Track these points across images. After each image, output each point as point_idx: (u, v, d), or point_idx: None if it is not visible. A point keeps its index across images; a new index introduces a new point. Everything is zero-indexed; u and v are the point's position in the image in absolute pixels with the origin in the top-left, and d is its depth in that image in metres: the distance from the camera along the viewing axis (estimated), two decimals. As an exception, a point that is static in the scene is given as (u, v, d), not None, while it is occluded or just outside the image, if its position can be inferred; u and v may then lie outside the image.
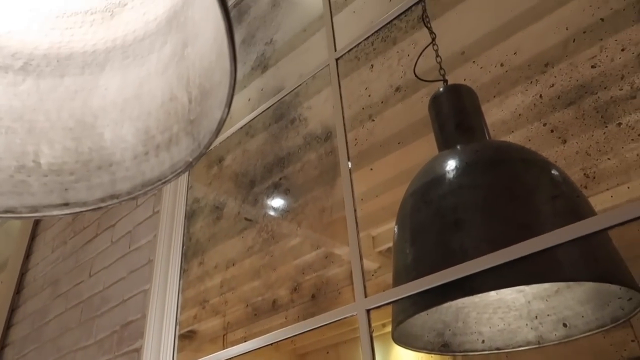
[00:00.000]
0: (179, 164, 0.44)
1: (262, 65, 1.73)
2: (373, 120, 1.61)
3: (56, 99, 0.57)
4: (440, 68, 1.18)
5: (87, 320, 1.47)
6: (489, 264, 0.70)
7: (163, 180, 0.45)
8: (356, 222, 0.99)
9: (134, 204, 1.52)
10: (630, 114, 1.17)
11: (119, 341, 1.28)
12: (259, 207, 1.59)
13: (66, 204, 0.50)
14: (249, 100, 1.65)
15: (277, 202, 1.64)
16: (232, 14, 2.02)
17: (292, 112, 1.55)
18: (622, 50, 1.19)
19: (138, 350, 1.20)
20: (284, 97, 1.52)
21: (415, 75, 1.31)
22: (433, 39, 1.24)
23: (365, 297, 0.91)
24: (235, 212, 1.62)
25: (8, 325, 1.87)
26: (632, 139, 1.15)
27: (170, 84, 0.50)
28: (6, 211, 0.51)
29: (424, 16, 1.30)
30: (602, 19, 1.27)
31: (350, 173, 1.12)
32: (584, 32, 1.31)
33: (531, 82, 1.39)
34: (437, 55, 1.21)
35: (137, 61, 0.52)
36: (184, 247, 1.34)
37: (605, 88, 1.23)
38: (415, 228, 0.89)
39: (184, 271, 1.29)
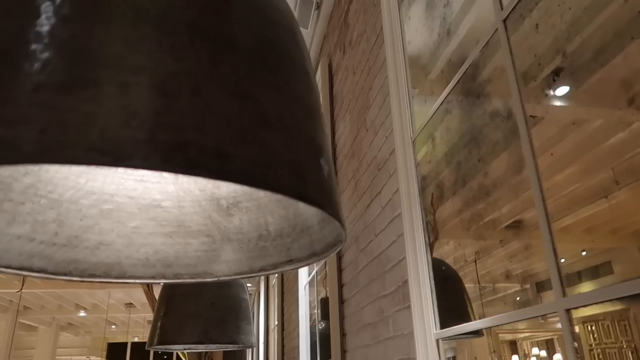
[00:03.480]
0: (339, 236, 0.56)
1: (446, 31, 1.61)
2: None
3: (267, 177, 0.74)
4: None
5: (381, 274, 1.76)
6: None
7: (336, 247, 0.57)
8: (545, 211, 0.89)
9: (386, 175, 1.70)
10: None
11: (404, 296, 1.51)
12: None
13: (290, 261, 0.68)
14: (442, 72, 1.57)
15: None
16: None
17: (475, 86, 1.42)
18: None
19: (409, 307, 1.42)
20: (466, 70, 1.40)
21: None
22: None
23: (564, 295, 0.84)
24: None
25: (340, 268, 2.39)
26: None
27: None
28: (260, 270, 0.72)
29: None
30: None
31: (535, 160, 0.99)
32: None
33: None
34: None
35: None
36: (424, 221, 1.45)
37: None
38: None
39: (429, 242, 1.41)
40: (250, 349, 10.27)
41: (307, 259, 0.64)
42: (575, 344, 0.80)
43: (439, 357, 1.30)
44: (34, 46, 0.35)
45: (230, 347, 2.26)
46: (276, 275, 5.90)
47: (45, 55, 0.35)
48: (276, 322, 5.57)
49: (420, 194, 1.46)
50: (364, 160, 1.97)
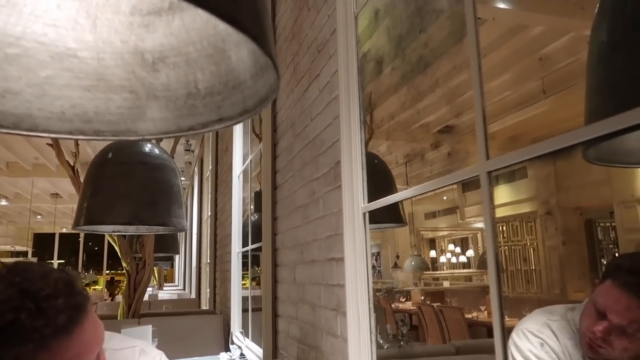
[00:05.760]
0: (273, 86, 0.53)
1: None
2: None
3: (197, 29, 0.68)
4: None
5: (315, 157, 1.77)
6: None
7: (269, 100, 0.54)
8: (480, 82, 0.90)
9: (326, 56, 1.64)
10: None
11: (335, 176, 1.54)
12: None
13: (221, 119, 0.65)
14: None
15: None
16: None
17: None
18: None
19: (340, 187, 1.46)
20: None
21: None
22: None
23: (487, 159, 0.87)
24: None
25: (274, 155, 2.39)
26: None
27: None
28: (189, 129, 0.69)
29: None
30: None
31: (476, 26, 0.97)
32: None
33: None
34: None
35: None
36: (361, 100, 1.44)
37: None
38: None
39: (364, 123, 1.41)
40: (182, 235, 10.43)
41: (238, 117, 0.61)
42: (491, 209, 0.86)
43: (364, 230, 1.37)
44: None
45: (162, 230, 2.25)
46: (210, 167, 5.86)
47: None
48: (209, 213, 5.64)
49: (359, 73, 1.44)
50: (304, 42, 1.90)
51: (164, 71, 0.67)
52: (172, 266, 16.47)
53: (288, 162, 2.10)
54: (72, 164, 3.63)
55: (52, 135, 0.64)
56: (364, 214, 1.34)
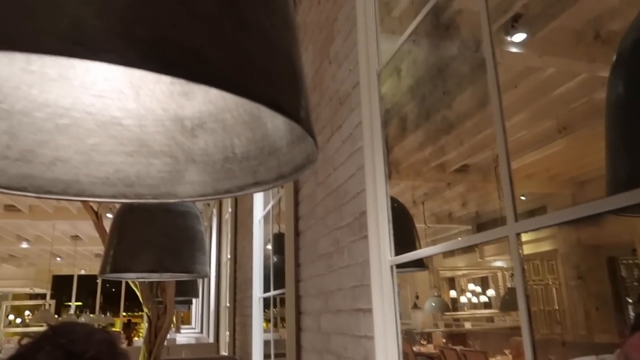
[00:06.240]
0: (310, 156, 0.56)
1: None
2: None
3: (233, 97, 0.72)
4: None
5: (339, 206, 1.80)
6: None
7: (305, 168, 0.57)
8: (506, 147, 0.92)
9: (348, 109, 1.69)
10: None
11: (360, 226, 1.56)
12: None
13: (257, 183, 0.68)
14: (412, 2, 1.54)
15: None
16: None
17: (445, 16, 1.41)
18: None
19: (366, 237, 1.47)
20: (435, 3, 1.37)
21: None
22: None
23: (516, 221, 0.89)
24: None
25: (297, 202, 2.42)
26: None
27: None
28: (226, 192, 0.72)
29: None
30: None
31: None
32: None
33: None
34: None
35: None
36: (386, 154, 1.47)
37: None
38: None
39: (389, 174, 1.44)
40: (202, 281, 10.41)
41: (274, 181, 0.64)
42: (521, 268, 0.87)
43: (392, 282, 1.37)
44: None
45: (185, 277, 2.27)
46: (230, 210, 5.91)
47: None
48: (229, 256, 5.65)
49: (383, 127, 1.47)
50: (325, 93, 1.95)
51: (202, 137, 0.71)
52: (189, 308, 16.37)
53: (311, 210, 2.13)
54: (95, 209, 3.70)
55: (97, 200, 0.67)
56: (391, 267, 1.35)
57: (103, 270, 1.95)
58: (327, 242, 1.88)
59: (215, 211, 8.22)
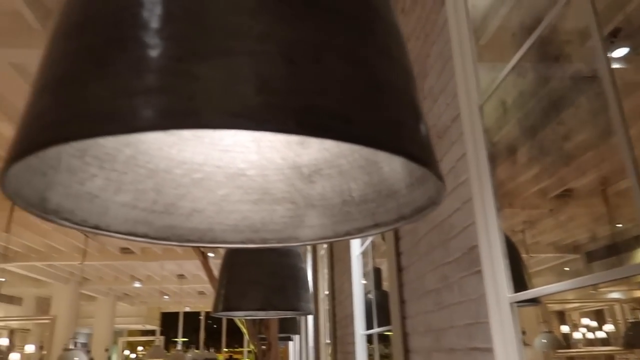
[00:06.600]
0: (433, 198, 0.57)
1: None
2: None
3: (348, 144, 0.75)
4: None
5: (444, 241, 1.76)
6: None
7: (428, 210, 0.58)
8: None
9: (448, 143, 1.68)
10: None
11: (471, 261, 1.51)
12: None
13: (376, 225, 0.70)
14: (513, 35, 1.51)
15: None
16: None
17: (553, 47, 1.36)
18: None
19: (479, 272, 1.41)
20: (540, 32, 1.33)
21: None
22: None
23: None
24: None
25: (397, 237, 2.41)
26: None
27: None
28: (345, 234, 0.75)
29: None
30: None
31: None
32: None
33: None
34: None
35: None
36: (495, 186, 1.43)
37: None
38: None
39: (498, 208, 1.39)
40: (299, 317, 10.53)
41: (394, 222, 0.66)
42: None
43: (512, 321, 1.31)
44: (169, 16, 0.37)
45: (290, 314, 2.33)
46: (325, 246, 5.99)
47: (181, 27, 0.37)
48: (326, 292, 5.69)
49: (489, 160, 1.44)
50: (422, 128, 1.94)
51: (320, 182, 0.75)
52: (285, 345, 16.55)
53: (413, 245, 2.11)
54: (202, 250, 3.94)
55: (229, 246, 0.73)
56: (511, 304, 1.28)
57: (216, 309, 2.06)
58: (433, 277, 1.84)
59: (309, 248, 8.36)
